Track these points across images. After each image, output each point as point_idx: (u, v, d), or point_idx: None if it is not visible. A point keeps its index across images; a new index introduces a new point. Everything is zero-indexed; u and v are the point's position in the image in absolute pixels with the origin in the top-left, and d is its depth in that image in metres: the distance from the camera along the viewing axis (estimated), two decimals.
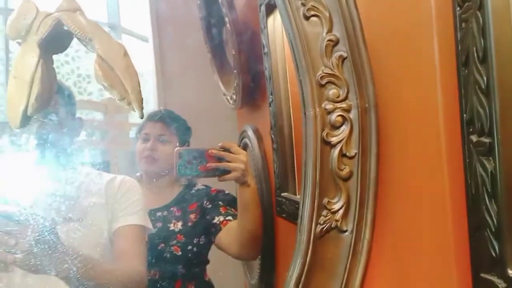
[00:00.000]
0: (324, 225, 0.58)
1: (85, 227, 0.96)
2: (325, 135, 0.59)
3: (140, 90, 0.54)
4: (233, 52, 1.36)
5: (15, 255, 0.71)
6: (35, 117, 0.53)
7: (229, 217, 1.16)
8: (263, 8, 1.15)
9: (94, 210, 1.00)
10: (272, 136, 1.20)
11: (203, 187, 1.26)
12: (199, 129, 1.49)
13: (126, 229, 1.01)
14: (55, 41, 0.54)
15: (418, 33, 0.51)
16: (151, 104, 2.10)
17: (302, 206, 0.60)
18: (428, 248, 0.51)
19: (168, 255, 1.13)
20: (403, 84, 0.57)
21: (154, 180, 1.20)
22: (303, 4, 0.59)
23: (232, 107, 1.61)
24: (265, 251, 1.46)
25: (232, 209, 1.15)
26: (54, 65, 0.57)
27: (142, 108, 0.54)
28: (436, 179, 0.49)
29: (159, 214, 1.18)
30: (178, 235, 1.15)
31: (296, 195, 1.14)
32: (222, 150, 0.98)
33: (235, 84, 1.48)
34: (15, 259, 0.72)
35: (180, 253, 1.14)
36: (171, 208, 1.20)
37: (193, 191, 1.25)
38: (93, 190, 1.03)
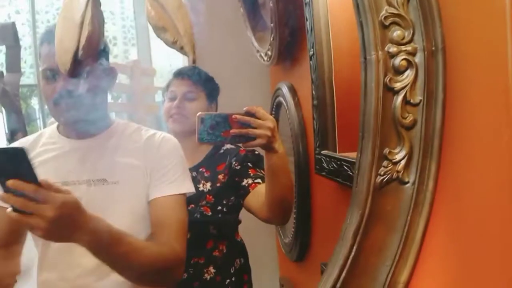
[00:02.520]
0: (385, 176, 0.56)
1: (120, 190, 0.89)
2: (388, 80, 0.55)
3: (192, 33, 0.51)
4: (271, 5, 1.31)
5: (42, 223, 0.63)
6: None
7: (258, 180, 1.13)
8: None
9: (131, 172, 0.91)
10: (313, 92, 1.15)
11: (232, 146, 1.23)
12: (230, 87, 1.45)
13: (164, 200, 0.90)
14: None
15: None
16: (179, 61, 2.06)
17: (360, 157, 0.57)
18: (493, 201, 0.48)
19: (198, 216, 1.12)
20: (472, 26, 0.52)
21: (182, 139, 1.17)
22: None
23: (266, 64, 1.57)
24: (300, 209, 1.46)
25: (262, 171, 1.11)
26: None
27: (194, 52, 0.51)
28: (504, 129, 0.45)
29: None
30: (208, 195, 1.14)
31: (336, 152, 1.11)
32: (247, 115, 0.92)
33: (271, 39, 1.43)
34: (42, 227, 0.64)
35: (210, 213, 1.13)
36: (200, 169, 1.18)
37: (221, 151, 1.22)
38: (130, 148, 0.93)
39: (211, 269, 1.18)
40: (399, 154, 0.56)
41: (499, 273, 0.48)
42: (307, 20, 1.13)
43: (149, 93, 5.86)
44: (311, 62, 1.14)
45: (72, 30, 0.48)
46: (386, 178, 0.56)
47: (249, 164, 1.16)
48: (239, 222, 1.27)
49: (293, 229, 1.51)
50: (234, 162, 1.18)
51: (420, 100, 0.55)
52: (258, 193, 1.09)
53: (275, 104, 1.66)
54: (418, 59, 0.55)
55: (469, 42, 0.53)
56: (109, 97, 1.07)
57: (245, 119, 0.91)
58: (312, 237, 1.46)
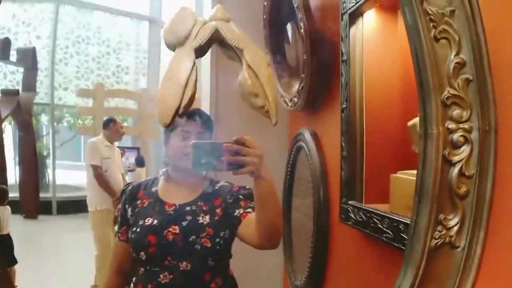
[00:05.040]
0: (439, 240, 0.61)
1: None
2: (446, 153, 0.61)
3: (277, 99, 0.57)
4: (304, 57, 1.39)
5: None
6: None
7: (249, 209, 1.20)
8: (346, 17, 1.17)
9: None
10: (342, 143, 1.22)
11: (226, 183, 1.30)
12: (248, 131, 1.51)
13: None
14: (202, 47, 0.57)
15: None
16: (203, 90, 2.11)
17: (416, 219, 0.63)
18: None
19: (198, 247, 1.18)
20: None
21: (187, 175, 1.24)
22: (435, 27, 0.61)
23: (289, 109, 1.64)
24: (316, 253, 1.50)
25: (252, 202, 1.17)
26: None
27: (277, 117, 0.57)
28: None
29: (188, 208, 1.23)
30: (207, 228, 1.20)
31: (362, 203, 1.16)
32: (238, 144, 0.95)
33: (300, 88, 1.50)
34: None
35: (209, 245, 1.19)
36: (199, 203, 1.25)
37: (217, 187, 1.29)
38: None
39: None
40: (453, 221, 0.61)
41: None
42: (342, 75, 1.21)
43: (154, 119, 6.00)
44: (342, 114, 1.21)
45: (177, 90, 0.54)
46: (440, 242, 0.61)
47: (240, 196, 1.24)
48: (231, 256, 1.33)
49: (306, 272, 1.55)
50: (228, 197, 1.26)
51: (474, 173, 0.61)
52: (249, 222, 1.16)
53: (295, 148, 1.72)
54: (474, 136, 0.61)
55: None
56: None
57: (235, 147, 0.95)
58: (325, 281, 1.49)
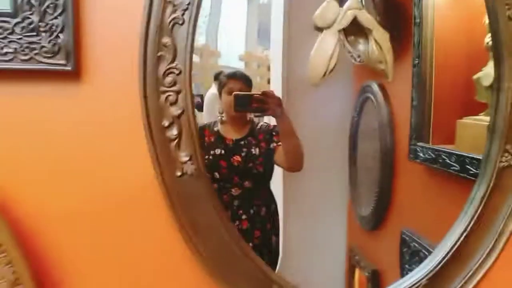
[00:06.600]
0: (505, 163, 0.86)
1: None
2: None
3: (392, 64, 0.82)
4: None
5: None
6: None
7: (280, 143, 1.53)
8: None
9: None
10: (413, 94, 1.45)
11: (264, 123, 1.63)
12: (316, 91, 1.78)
13: None
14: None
15: None
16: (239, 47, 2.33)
17: (490, 148, 0.88)
18: None
19: (255, 171, 1.53)
20: None
21: (237, 120, 1.59)
22: (508, 9, 0.83)
23: (358, 63, 1.85)
24: (383, 187, 1.76)
25: None
26: None
27: (392, 77, 0.82)
28: None
29: (242, 142, 1.55)
30: (259, 157, 1.54)
31: (429, 144, 1.41)
32: (263, 95, 1.39)
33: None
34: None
35: (262, 169, 1.53)
36: (249, 138, 1.61)
37: (258, 127, 1.65)
38: None
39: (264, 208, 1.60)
40: None
41: None
42: (414, 35, 1.42)
43: (213, 70, 6.32)
44: (414, 69, 1.43)
45: (324, 60, 0.80)
46: (506, 164, 0.86)
47: (273, 133, 1.58)
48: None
49: (373, 204, 1.82)
50: (266, 134, 1.60)
51: None
52: (280, 152, 1.51)
53: (361, 98, 1.95)
54: None
55: None
56: None
57: (261, 97, 1.38)
58: (391, 210, 1.77)
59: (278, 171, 1.63)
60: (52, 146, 0.83)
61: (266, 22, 1.78)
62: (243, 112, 1.62)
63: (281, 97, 1.41)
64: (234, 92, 1.44)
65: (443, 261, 0.95)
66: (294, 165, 1.55)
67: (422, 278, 0.96)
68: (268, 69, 1.98)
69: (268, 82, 1.65)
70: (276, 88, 1.74)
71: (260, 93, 1.43)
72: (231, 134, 1.61)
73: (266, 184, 1.61)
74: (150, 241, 0.90)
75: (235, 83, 1.63)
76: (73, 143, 0.84)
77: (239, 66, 1.82)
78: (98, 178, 0.86)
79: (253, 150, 1.58)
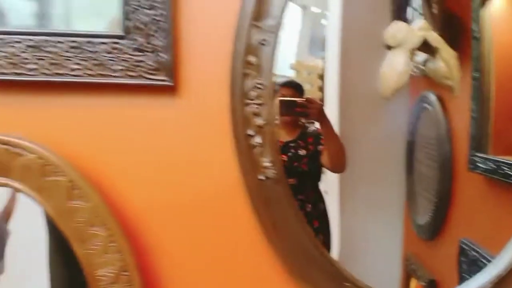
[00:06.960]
0: None
1: None
2: None
3: (459, 78, 0.89)
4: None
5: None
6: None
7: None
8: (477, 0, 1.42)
9: None
10: (472, 106, 1.49)
11: (314, 127, 1.72)
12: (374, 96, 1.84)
13: None
14: None
15: None
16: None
17: None
18: None
19: (300, 170, 1.62)
20: None
21: (290, 125, 1.69)
22: None
23: (416, 75, 1.90)
24: (441, 197, 1.79)
25: None
26: None
27: (458, 92, 0.89)
28: None
29: (291, 144, 1.66)
30: (304, 158, 1.64)
31: (489, 154, 1.45)
32: (306, 101, 1.53)
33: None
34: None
35: (306, 169, 1.63)
36: (298, 141, 1.71)
37: (308, 130, 1.73)
38: None
39: (310, 205, 1.67)
40: None
41: None
42: (473, 49, 1.47)
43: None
44: (474, 82, 1.47)
45: (395, 75, 0.88)
46: None
47: (320, 136, 1.67)
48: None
49: (430, 213, 1.85)
50: (314, 137, 1.67)
51: None
52: (325, 154, 1.60)
53: (418, 108, 1.99)
54: None
55: None
56: None
57: (303, 103, 1.52)
58: (448, 220, 1.79)
59: (335, 179, 1.72)
60: (155, 150, 0.98)
61: (318, 32, 1.86)
62: (288, 116, 1.71)
63: (335, 105, 1.51)
64: (279, 98, 1.55)
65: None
66: (337, 166, 1.64)
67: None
68: (319, 77, 2.08)
69: (320, 89, 1.75)
70: (332, 97, 1.83)
71: (303, 99, 1.54)
72: (283, 137, 1.71)
73: (312, 183, 1.70)
74: (234, 237, 1.02)
75: (287, 90, 1.73)
76: (172, 147, 0.98)
77: (290, 74, 1.96)
78: (192, 179, 0.99)
79: (300, 151, 1.69)
